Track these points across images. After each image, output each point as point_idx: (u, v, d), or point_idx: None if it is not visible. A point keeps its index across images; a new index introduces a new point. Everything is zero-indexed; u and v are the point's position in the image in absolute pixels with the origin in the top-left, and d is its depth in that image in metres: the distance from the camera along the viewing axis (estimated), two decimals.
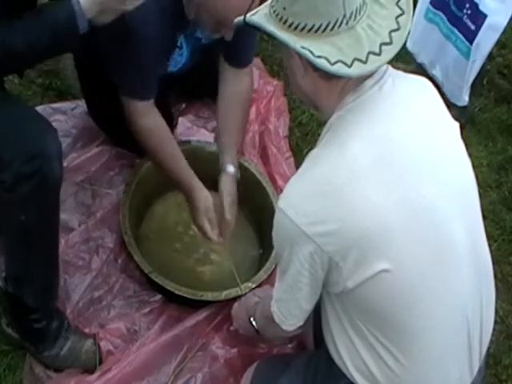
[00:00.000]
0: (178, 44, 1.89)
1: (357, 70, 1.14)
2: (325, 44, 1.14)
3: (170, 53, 1.88)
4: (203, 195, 1.86)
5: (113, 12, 1.46)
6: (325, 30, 1.14)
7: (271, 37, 1.19)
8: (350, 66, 1.13)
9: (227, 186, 1.91)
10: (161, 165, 1.89)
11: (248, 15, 1.22)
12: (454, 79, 2.69)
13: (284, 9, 1.16)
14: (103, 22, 1.47)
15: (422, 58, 2.82)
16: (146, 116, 1.83)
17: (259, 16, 1.20)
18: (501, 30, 2.47)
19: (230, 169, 1.92)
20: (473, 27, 2.52)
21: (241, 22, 1.21)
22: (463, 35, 2.57)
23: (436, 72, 2.77)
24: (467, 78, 2.63)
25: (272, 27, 1.17)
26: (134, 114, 1.82)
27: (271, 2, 1.19)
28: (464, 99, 2.69)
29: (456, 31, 2.60)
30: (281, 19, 1.17)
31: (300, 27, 1.15)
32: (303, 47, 1.13)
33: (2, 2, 1.38)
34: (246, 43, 1.97)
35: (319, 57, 1.13)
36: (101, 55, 1.79)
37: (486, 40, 2.51)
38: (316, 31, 1.14)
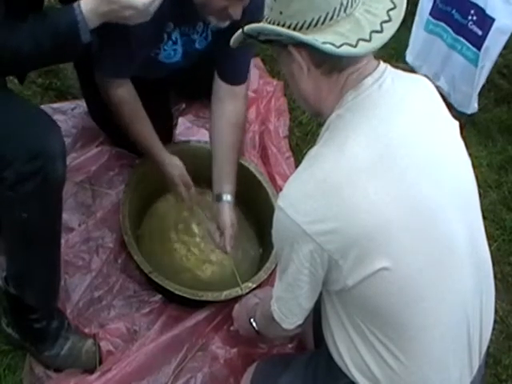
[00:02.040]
0: (173, 38, 1.87)
1: (362, 48, 1.14)
2: (327, 33, 1.14)
3: (156, 40, 1.85)
4: (174, 163, 1.94)
5: (114, 22, 1.48)
6: (324, 21, 1.14)
7: (273, 44, 1.20)
8: (355, 46, 1.13)
9: (228, 216, 1.91)
10: (132, 134, 1.91)
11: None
12: (461, 88, 2.68)
13: (280, 13, 1.16)
14: None
15: (424, 71, 2.81)
16: (118, 87, 1.84)
17: (247, 26, 1.20)
18: (509, 32, 2.46)
19: (228, 198, 1.92)
20: (480, 33, 2.52)
21: (240, 35, 1.21)
22: (470, 42, 2.57)
23: (441, 83, 2.76)
24: (476, 84, 2.63)
25: (273, 27, 1.17)
26: (107, 85, 1.83)
27: (266, 18, 1.20)
28: (474, 106, 2.69)
29: (462, 39, 2.60)
30: (278, 24, 1.17)
31: (299, 26, 1.15)
32: (308, 39, 1.14)
33: (9, 4, 1.39)
34: (241, 59, 1.95)
35: (324, 43, 1.13)
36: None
37: (495, 44, 2.51)
38: (316, 25, 1.14)
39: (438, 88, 2.74)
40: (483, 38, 2.51)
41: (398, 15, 1.18)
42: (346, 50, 1.13)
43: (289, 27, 1.16)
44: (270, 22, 1.18)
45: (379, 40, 1.15)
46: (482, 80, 2.63)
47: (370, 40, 1.14)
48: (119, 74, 1.82)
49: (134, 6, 1.44)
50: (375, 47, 1.16)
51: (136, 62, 1.82)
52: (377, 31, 1.15)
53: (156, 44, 1.86)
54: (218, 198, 1.92)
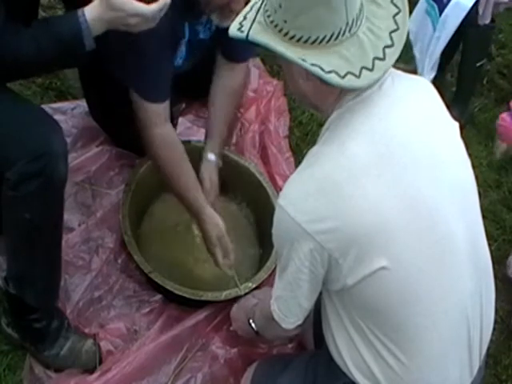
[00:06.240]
0: (183, 35, 1.87)
1: (365, 80, 1.15)
2: (331, 56, 1.14)
3: (177, 45, 1.85)
4: (215, 222, 1.83)
5: (118, 30, 1.47)
6: (329, 40, 1.14)
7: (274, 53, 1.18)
8: (358, 77, 1.14)
9: (207, 172, 1.92)
10: (171, 180, 1.83)
11: (237, 24, 1.20)
12: (425, 58, 2.65)
13: (285, 22, 1.14)
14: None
15: (411, 35, 2.76)
16: (161, 125, 1.78)
17: (255, 27, 1.17)
18: (466, 10, 2.45)
19: (211, 157, 1.94)
20: (445, 0, 2.51)
21: (243, 38, 1.19)
22: (439, 10, 2.55)
23: (416, 50, 2.73)
24: (430, 54, 2.59)
25: (279, 46, 1.14)
26: (148, 121, 1.76)
27: (266, 11, 1.17)
28: (428, 77, 2.62)
29: (435, 5, 2.58)
30: (281, 31, 1.15)
31: (303, 40, 1.14)
32: (313, 64, 1.13)
33: (8, 7, 1.39)
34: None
35: (329, 72, 1.13)
36: (108, 56, 1.74)
37: (453, 16, 2.50)
38: (320, 42, 1.14)
39: (414, 55, 2.71)
40: (445, 5, 2.51)
41: (401, 39, 1.18)
42: (349, 81, 1.13)
43: (292, 38, 1.14)
44: (272, 22, 1.16)
45: (382, 69, 1.16)
46: (437, 52, 2.59)
47: (372, 69, 1.14)
48: (159, 97, 1.76)
49: (141, 13, 1.42)
50: (377, 78, 1.17)
51: (168, 77, 1.80)
52: (379, 58, 1.15)
53: (175, 48, 1.85)
54: (203, 157, 1.95)
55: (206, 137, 1.99)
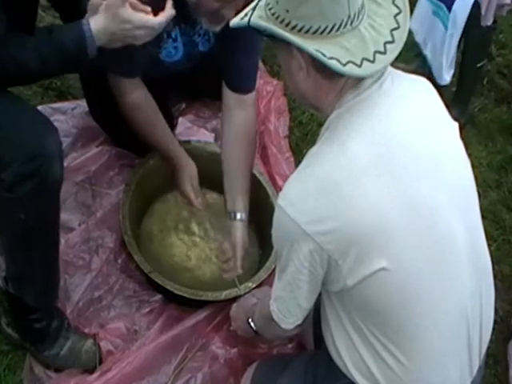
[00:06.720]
0: (172, 36, 1.87)
1: (366, 70, 1.14)
2: (332, 45, 1.14)
3: (158, 39, 1.82)
4: (189, 164, 1.94)
5: (121, 42, 1.49)
6: (330, 31, 1.14)
7: (274, 40, 1.19)
8: (360, 66, 1.14)
9: (240, 236, 1.85)
10: (147, 139, 1.93)
11: (238, 18, 1.20)
12: (439, 57, 2.68)
13: (287, 11, 1.14)
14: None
15: (418, 37, 2.80)
16: (131, 92, 1.85)
17: (254, 18, 1.18)
18: (470, 4, 2.48)
19: (242, 216, 1.87)
20: None
21: (245, 24, 1.19)
22: (446, 7, 2.58)
23: (427, 51, 2.76)
24: (446, 53, 2.62)
25: (280, 30, 1.15)
26: (119, 90, 1.84)
27: (267, 5, 1.18)
28: (445, 78, 2.67)
29: (442, 6, 2.61)
30: (282, 21, 1.15)
31: (304, 29, 1.14)
32: (316, 50, 1.13)
33: (8, 14, 1.40)
34: (247, 67, 1.94)
35: (331, 58, 1.13)
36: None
37: (460, 11, 2.52)
38: (321, 33, 1.14)
39: (425, 57, 2.75)
40: (452, 2, 2.53)
41: (401, 36, 1.18)
42: (351, 69, 1.13)
43: (293, 28, 1.14)
44: (273, 14, 1.16)
45: (382, 62, 1.16)
46: (452, 50, 2.62)
47: (373, 61, 1.14)
48: (125, 73, 1.82)
49: (149, 25, 1.44)
50: (377, 70, 1.17)
51: (138, 61, 1.80)
52: (380, 52, 1.15)
53: (155, 42, 1.85)
54: (231, 216, 1.87)
55: (231, 193, 1.90)
